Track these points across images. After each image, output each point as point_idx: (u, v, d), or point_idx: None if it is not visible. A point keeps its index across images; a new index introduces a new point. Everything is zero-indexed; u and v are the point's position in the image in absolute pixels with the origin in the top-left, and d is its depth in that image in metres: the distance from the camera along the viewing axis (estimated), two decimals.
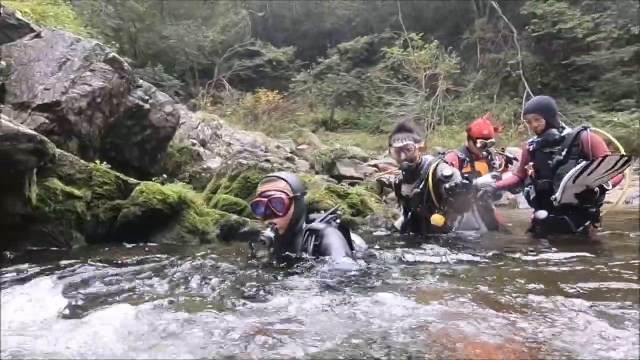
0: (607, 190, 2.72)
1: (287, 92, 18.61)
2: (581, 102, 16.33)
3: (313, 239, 1.84)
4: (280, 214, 1.83)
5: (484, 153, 3.49)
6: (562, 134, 2.83)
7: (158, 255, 2.45)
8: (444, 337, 1.07)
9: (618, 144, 2.76)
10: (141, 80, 4.91)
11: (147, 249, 2.83)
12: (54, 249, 2.79)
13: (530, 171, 3.04)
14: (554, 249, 2.50)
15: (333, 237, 1.83)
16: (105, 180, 3.11)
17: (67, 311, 1.35)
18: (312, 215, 2.05)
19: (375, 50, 18.98)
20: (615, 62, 15.28)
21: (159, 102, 4.96)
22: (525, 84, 16.11)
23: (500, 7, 17.68)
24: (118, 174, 3.21)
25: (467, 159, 3.48)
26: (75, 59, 3.92)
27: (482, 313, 1.24)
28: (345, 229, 1.98)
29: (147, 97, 4.69)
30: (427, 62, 15.24)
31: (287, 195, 1.85)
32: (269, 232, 1.79)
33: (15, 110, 3.48)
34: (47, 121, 3.52)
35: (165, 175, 4.12)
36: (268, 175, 2.05)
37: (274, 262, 1.91)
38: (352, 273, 1.69)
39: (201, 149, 6.41)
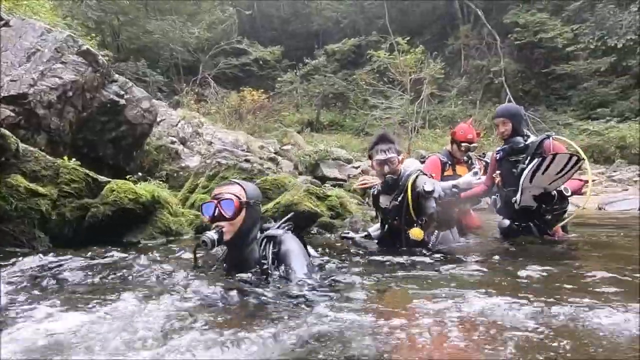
0: (566, 196, 2.72)
1: (273, 92, 18.48)
2: (560, 110, 16.80)
3: (271, 245, 1.80)
4: (228, 216, 1.75)
5: (465, 157, 3.52)
6: (527, 142, 2.89)
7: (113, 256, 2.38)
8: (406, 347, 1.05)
9: (580, 151, 2.74)
10: (117, 75, 4.74)
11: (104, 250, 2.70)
12: (16, 249, 2.65)
13: (497, 179, 3.08)
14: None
15: (292, 244, 1.80)
16: (73, 177, 2.98)
17: None
18: (265, 225, 2.01)
19: (362, 53, 19.05)
20: (592, 72, 15.79)
21: (135, 98, 4.80)
22: (507, 90, 16.47)
23: (484, 15, 18.03)
24: (88, 171, 3.08)
25: (449, 163, 3.53)
26: (46, 50, 3.75)
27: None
28: (300, 236, 1.94)
29: (122, 93, 4.53)
30: (413, 67, 15.38)
31: (239, 199, 1.79)
32: (212, 234, 1.70)
33: None
34: (12, 114, 3.35)
35: (140, 174, 3.99)
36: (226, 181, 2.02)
37: (224, 271, 1.87)
38: (311, 282, 1.65)
39: (180, 147, 6.26)
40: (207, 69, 18.53)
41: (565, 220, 2.89)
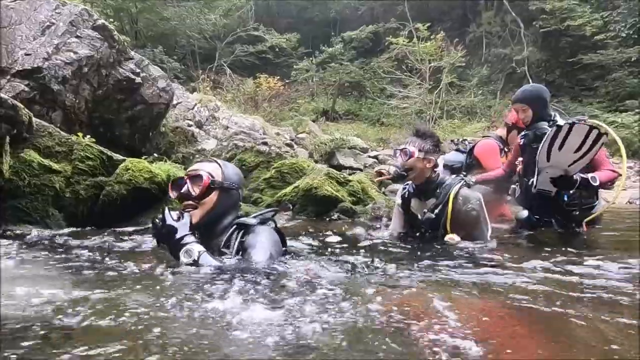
0: (594, 186, 2.37)
1: (288, 80, 18.27)
2: (585, 102, 16.13)
3: (240, 234, 1.57)
4: (194, 195, 1.54)
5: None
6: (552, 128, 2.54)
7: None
8: None
9: (618, 139, 2.46)
10: (132, 52, 4.63)
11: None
12: (29, 227, 2.58)
13: (519, 167, 2.79)
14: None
15: (263, 235, 1.56)
16: (87, 154, 2.89)
17: None
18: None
19: (380, 41, 18.62)
20: (622, 62, 15.04)
21: (151, 77, 4.69)
22: (530, 80, 15.85)
23: (508, 2, 17.33)
24: (102, 148, 2.99)
25: (505, 150, 3.30)
26: (60, 23, 3.64)
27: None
28: (281, 233, 1.73)
29: (138, 71, 4.42)
30: (432, 54, 14.93)
31: (212, 178, 1.57)
32: (167, 214, 1.48)
33: None
34: (27, 89, 3.27)
35: (156, 155, 3.89)
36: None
37: None
38: (266, 272, 1.40)
39: (196, 130, 6.15)
40: (223, 57, 18.43)
41: (593, 215, 2.53)
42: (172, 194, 1.63)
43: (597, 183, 2.37)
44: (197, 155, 5.04)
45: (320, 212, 3.58)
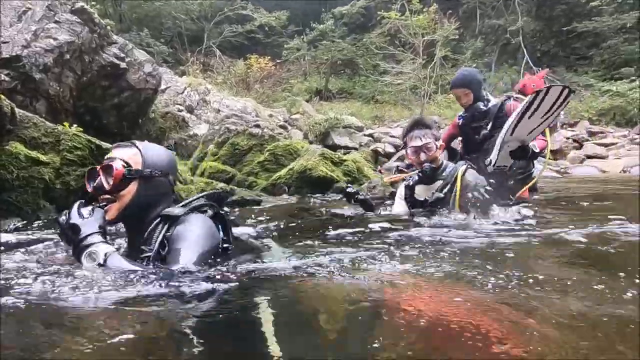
0: (536, 153, 2.50)
1: (280, 60, 17.91)
2: (580, 71, 15.99)
3: (165, 228, 1.35)
4: (107, 188, 1.33)
5: None
6: (488, 107, 2.76)
7: None
8: None
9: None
10: (115, 37, 4.47)
11: None
12: (21, 220, 2.54)
13: (460, 147, 3.02)
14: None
15: (192, 225, 1.35)
16: (75, 144, 2.82)
17: None
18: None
19: (372, 16, 18.18)
20: (618, 29, 14.81)
21: (137, 61, 4.55)
22: (525, 51, 15.66)
23: None
24: (90, 137, 2.91)
25: None
26: (37, 8, 3.49)
27: None
28: (223, 219, 1.53)
29: (123, 55, 4.28)
30: (425, 28, 14.62)
31: (127, 167, 1.36)
32: (74, 210, 1.27)
33: None
34: (7, 78, 3.16)
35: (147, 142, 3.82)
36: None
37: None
38: (191, 272, 1.21)
39: (188, 115, 6.04)
40: (211, 38, 17.97)
41: (532, 182, 2.71)
42: (88, 188, 1.40)
43: (538, 150, 2.51)
44: (189, 141, 4.98)
45: (315, 193, 3.56)
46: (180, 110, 6.15)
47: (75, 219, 1.26)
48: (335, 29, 18.51)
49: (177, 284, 1.14)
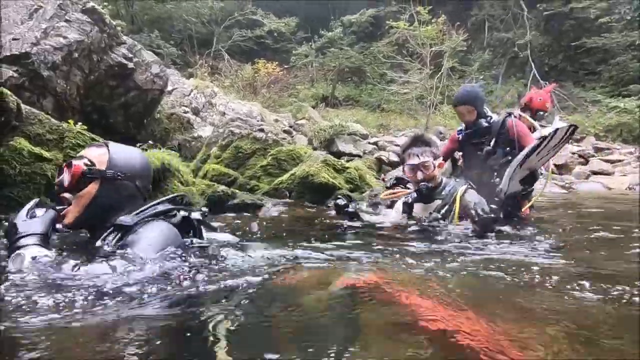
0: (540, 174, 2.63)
1: (287, 65, 18.02)
2: (588, 86, 15.94)
3: (117, 237, 1.24)
4: (66, 185, 1.27)
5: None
6: (490, 123, 2.80)
7: None
8: None
9: (527, 117, 2.84)
10: (125, 37, 4.52)
11: None
12: None
13: (460, 161, 3.06)
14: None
15: (148, 232, 1.24)
16: (79, 142, 2.83)
17: None
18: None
19: (380, 25, 18.27)
20: (627, 46, 14.78)
21: (144, 62, 4.60)
22: (533, 65, 15.65)
23: None
24: (94, 136, 2.93)
25: None
26: (48, 6, 3.54)
27: None
28: (191, 224, 1.41)
29: (131, 56, 4.33)
30: (434, 38, 14.66)
31: (89, 165, 1.28)
32: (24, 209, 1.20)
33: None
34: (15, 75, 3.19)
35: (151, 142, 3.85)
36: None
37: None
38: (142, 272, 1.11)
39: (193, 117, 6.07)
40: (221, 41, 18.13)
41: (532, 201, 2.82)
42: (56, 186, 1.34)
43: (543, 171, 2.69)
44: (193, 142, 5.00)
45: (317, 199, 3.55)
46: (185, 112, 6.18)
47: (19, 218, 1.19)
48: (343, 37, 18.63)
49: (108, 287, 1.03)
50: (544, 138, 2.37)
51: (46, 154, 2.66)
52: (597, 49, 15.40)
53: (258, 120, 6.71)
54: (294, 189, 3.64)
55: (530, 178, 2.56)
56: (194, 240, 1.39)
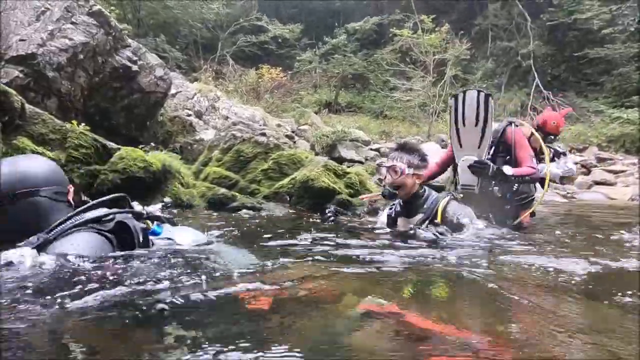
0: (509, 175, 2.56)
1: (291, 71, 18.13)
2: (591, 97, 15.95)
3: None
4: None
5: None
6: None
7: None
8: None
9: (539, 137, 2.87)
10: (129, 40, 4.57)
11: None
12: None
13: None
14: None
15: (60, 247, 1.13)
16: (81, 142, 2.86)
17: None
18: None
19: (384, 32, 18.40)
20: (630, 57, 14.82)
21: (149, 65, 4.64)
22: (535, 75, 15.68)
23: None
24: (96, 136, 2.96)
25: None
26: (55, 9, 3.59)
27: None
28: (126, 227, 1.27)
29: (135, 58, 4.37)
30: (437, 47, 14.74)
31: None
32: None
33: None
34: (21, 75, 3.23)
35: (153, 144, 3.87)
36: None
37: None
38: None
39: (195, 120, 6.10)
40: (225, 47, 18.27)
41: (532, 208, 2.79)
42: None
43: (510, 173, 2.57)
44: (195, 145, 5.02)
45: (317, 203, 3.55)
46: (188, 115, 6.22)
47: None
48: (347, 44, 18.75)
49: None
50: (454, 99, 2.56)
51: (49, 154, 2.69)
52: (600, 59, 15.44)
53: (260, 125, 6.73)
54: (294, 193, 3.65)
55: (480, 167, 2.54)
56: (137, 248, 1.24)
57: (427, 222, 2.18)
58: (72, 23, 3.63)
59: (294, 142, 8.56)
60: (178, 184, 3.13)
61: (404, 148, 2.33)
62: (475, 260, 1.67)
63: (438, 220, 2.14)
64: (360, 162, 10.62)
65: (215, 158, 4.23)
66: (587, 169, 10.38)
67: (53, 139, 2.77)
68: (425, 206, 2.22)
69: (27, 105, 2.61)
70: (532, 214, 2.89)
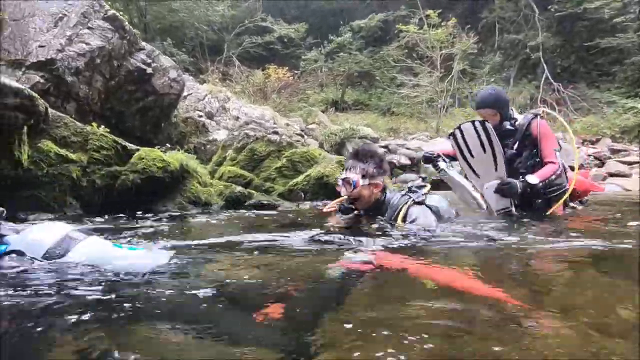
0: (534, 184, 2.48)
1: (297, 71, 18.17)
2: (603, 87, 15.69)
3: None
4: None
5: None
6: (515, 125, 2.71)
7: None
8: None
9: (570, 130, 2.93)
10: (143, 43, 4.64)
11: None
12: (49, 215, 2.63)
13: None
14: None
15: None
16: (102, 144, 2.92)
17: None
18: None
19: (389, 29, 18.33)
20: None
21: (162, 67, 4.71)
22: (545, 67, 15.49)
23: None
24: (116, 138, 3.02)
25: None
26: (72, 14, 3.67)
27: None
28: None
29: (149, 61, 4.44)
30: (444, 41, 14.64)
31: None
32: None
33: (9, 69, 3.28)
34: (42, 80, 3.31)
35: (168, 145, 3.93)
36: None
37: None
38: None
39: (207, 121, 6.18)
40: (231, 48, 18.39)
41: (562, 199, 2.67)
42: None
43: (537, 182, 2.49)
44: (208, 146, 5.08)
45: (332, 199, 3.57)
46: (200, 116, 6.30)
47: None
48: (352, 42, 18.72)
49: None
50: (452, 138, 2.52)
51: (71, 156, 2.75)
52: (612, 49, 15.17)
53: (271, 124, 6.77)
54: (309, 190, 3.67)
55: (508, 189, 2.47)
56: None
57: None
58: (89, 28, 3.71)
59: (304, 141, 8.60)
60: (196, 182, 3.18)
61: (357, 156, 2.16)
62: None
63: (399, 222, 2.02)
64: None
65: (230, 157, 4.28)
66: (600, 161, 10.24)
67: (75, 142, 2.84)
68: (386, 215, 2.10)
69: (50, 110, 2.68)
70: (565, 204, 2.79)
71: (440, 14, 15.56)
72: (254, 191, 3.48)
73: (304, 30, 19.09)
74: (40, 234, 1.19)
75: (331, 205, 2.58)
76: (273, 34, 18.75)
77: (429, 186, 2.23)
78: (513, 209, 2.52)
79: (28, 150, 2.52)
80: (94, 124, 2.97)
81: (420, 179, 2.39)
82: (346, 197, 2.18)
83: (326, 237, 1.79)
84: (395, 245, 1.67)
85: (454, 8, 18.58)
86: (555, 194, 2.67)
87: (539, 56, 15.73)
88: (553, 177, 2.57)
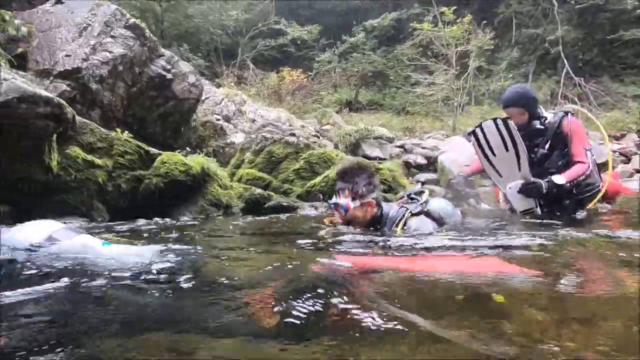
0: (561, 185, 2.39)
1: (311, 72, 18.23)
2: (627, 81, 15.17)
3: None
4: None
5: None
6: (545, 124, 2.61)
7: None
8: None
9: (602, 128, 2.84)
10: (163, 49, 4.75)
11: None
12: (77, 218, 2.71)
13: None
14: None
15: None
16: (126, 149, 3.00)
17: None
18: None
19: (403, 28, 18.20)
20: None
21: (181, 72, 4.80)
22: (565, 61, 15.08)
23: None
24: (140, 143, 3.09)
25: None
26: (96, 24, 3.79)
27: None
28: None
29: (169, 67, 4.53)
30: (459, 38, 14.43)
31: None
32: None
33: (37, 78, 3.41)
34: (68, 89, 3.43)
35: (188, 149, 4.00)
36: None
37: None
38: None
39: (225, 124, 6.27)
40: (245, 52, 18.60)
41: (598, 197, 2.58)
42: None
43: (563, 182, 2.41)
44: (226, 149, 5.15)
45: None
46: (218, 120, 6.40)
47: None
48: (366, 42, 18.66)
49: None
50: (473, 136, 2.43)
51: (98, 161, 2.84)
52: (636, 40, 14.66)
53: (288, 126, 6.82)
54: (328, 191, 3.68)
55: (534, 189, 2.40)
56: None
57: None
58: (111, 37, 3.83)
59: (320, 141, 8.62)
60: (217, 185, 3.23)
61: (344, 178, 2.10)
62: None
63: (398, 232, 1.96)
64: (385, 160, 10.55)
65: (248, 160, 4.33)
66: (627, 157, 9.90)
67: (100, 147, 2.92)
68: (385, 227, 2.05)
69: (76, 117, 2.77)
70: (600, 201, 2.68)
71: (455, 10, 15.35)
72: (272, 193, 3.51)
73: (317, 32, 19.14)
74: (25, 232, 1.21)
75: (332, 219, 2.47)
76: (286, 37, 18.88)
77: (427, 192, 2.19)
78: (538, 209, 2.44)
79: (57, 157, 2.60)
80: (118, 130, 3.05)
81: (419, 184, 2.34)
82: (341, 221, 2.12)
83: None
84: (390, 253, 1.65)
85: (469, 4, 18.30)
86: (589, 194, 2.56)
87: (559, 50, 15.33)
88: (582, 177, 2.46)
